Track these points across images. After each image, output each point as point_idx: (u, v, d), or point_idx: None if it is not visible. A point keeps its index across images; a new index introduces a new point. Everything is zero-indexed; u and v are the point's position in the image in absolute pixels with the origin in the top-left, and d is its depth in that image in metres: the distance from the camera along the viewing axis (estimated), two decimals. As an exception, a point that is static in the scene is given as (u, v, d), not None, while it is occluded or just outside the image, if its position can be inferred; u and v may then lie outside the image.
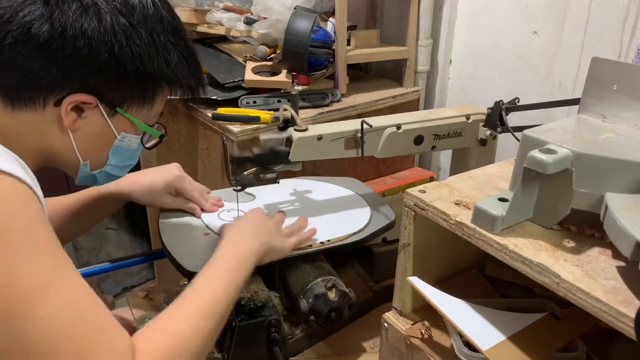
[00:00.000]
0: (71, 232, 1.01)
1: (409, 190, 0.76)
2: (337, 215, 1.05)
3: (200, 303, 0.70)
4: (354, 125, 0.94)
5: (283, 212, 1.02)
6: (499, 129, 0.97)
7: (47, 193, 0.67)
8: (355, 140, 0.94)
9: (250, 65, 1.34)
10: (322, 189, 1.15)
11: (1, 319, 0.54)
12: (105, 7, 0.66)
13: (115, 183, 0.97)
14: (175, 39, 0.72)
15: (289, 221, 0.99)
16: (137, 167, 1.01)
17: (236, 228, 0.86)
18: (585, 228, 0.66)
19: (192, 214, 1.02)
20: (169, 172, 1.02)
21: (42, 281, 0.55)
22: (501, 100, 0.95)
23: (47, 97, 0.67)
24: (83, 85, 0.67)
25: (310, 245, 0.94)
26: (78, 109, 0.69)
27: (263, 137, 0.93)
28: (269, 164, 0.93)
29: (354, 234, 0.98)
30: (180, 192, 1.02)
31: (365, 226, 1.00)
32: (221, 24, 1.45)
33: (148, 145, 0.82)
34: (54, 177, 0.63)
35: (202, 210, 1.03)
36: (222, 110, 1.22)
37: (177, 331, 0.64)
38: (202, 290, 0.72)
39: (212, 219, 1.01)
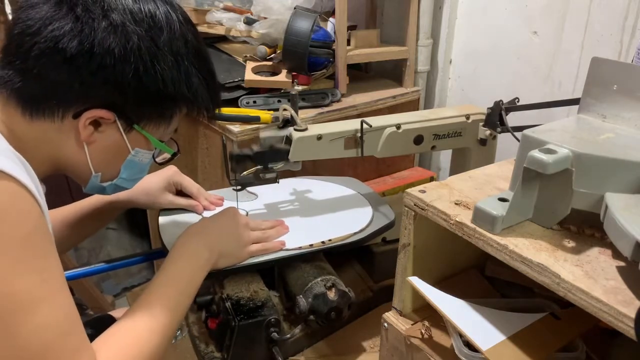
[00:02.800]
0: (70, 242, 1.02)
1: (409, 190, 0.76)
2: (338, 215, 1.04)
3: (151, 316, 0.72)
4: (353, 125, 0.94)
5: (283, 221, 1.00)
6: (498, 129, 0.97)
7: (50, 198, 0.67)
8: (355, 140, 0.94)
9: (250, 65, 1.34)
10: (322, 188, 1.15)
11: None
12: (133, 28, 0.66)
13: None
14: (199, 63, 0.74)
15: (288, 221, 0.99)
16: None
17: (189, 234, 0.85)
18: (585, 228, 0.66)
19: (194, 212, 1.03)
20: (166, 169, 1.03)
21: (33, 295, 0.56)
22: (501, 100, 0.95)
23: (67, 110, 0.67)
24: (103, 101, 0.68)
25: (311, 245, 0.94)
26: (95, 123, 0.70)
27: (263, 134, 0.93)
28: (268, 161, 0.93)
29: (355, 234, 0.97)
30: (179, 188, 1.03)
31: (367, 225, 1.00)
32: (221, 24, 1.46)
33: (160, 160, 0.83)
34: (56, 183, 0.64)
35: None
36: (222, 110, 1.22)
37: (131, 346, 0.67)
38: (154, 303, 0.73)
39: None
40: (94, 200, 1.00)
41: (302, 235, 0.96)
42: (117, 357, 0.65)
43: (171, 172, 1.02)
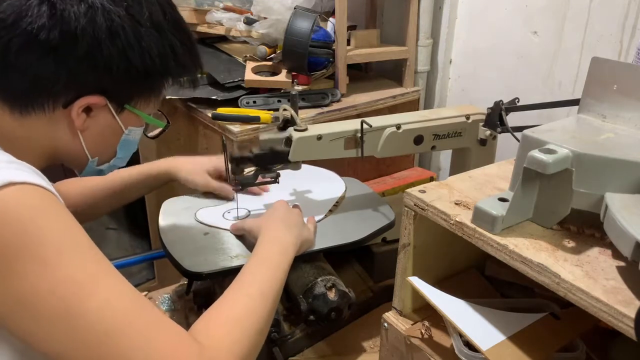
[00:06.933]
0: (111, 207, 1.07)
1: (409, 190, 0.76)
2: (316, 188, 1.11)
3: (251, 287, 0.72)
4: (353, 125, 0.94)
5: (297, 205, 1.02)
6: (498, 129, 0.97)
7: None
8: (355, 140, 0.94)
9: (250, 65, 1.34)
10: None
11: (55, 318, 0.54)
12: (112, 8, 0.65)
13: (157, 164, 1.06)
14: (179, 32, 0.73)
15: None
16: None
17: (269, 224, 0.87)
18: (585, 228, 0.66)
19: (226, 197, 1.07)
20: (209, 156, 1.08)
21: (89, 276, 0.56)
22: (501, 100, 0.95)
23: (57, 101, 0.66)
24: (93, 87, 0.67)
25: (331, 210, 1.00)
26: (87, 109, 0.69)
27: (263, 137, 0.93)
28: (268, 163, 0.93)
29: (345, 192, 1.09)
30: (218, 175, 1.07)
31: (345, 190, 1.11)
32: (221, 24, 1.46)
33: (151, 134, 0.83)
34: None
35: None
36: (222, 110, 1.22)
37: (233, 313, 0.67)
38: (251, 277, 0.74)
39: (213, 219, 1.01)
40: (137, 171, 1.05)
41: (310, 212, 1.00)
42: (222, 339, 0.63)
43: (216, 157, 1.07)
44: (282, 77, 1.31)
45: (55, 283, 0.54)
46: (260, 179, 0.95)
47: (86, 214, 1.00)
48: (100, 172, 0.79)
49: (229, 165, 0.92)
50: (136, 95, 0.73)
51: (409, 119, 0.98)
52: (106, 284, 0.57)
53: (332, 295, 0.88)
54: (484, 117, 1.00)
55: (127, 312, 0.57)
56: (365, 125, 0.92)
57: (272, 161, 0.93)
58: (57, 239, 0.56)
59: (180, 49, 0.72)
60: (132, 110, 0.73)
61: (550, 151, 0.61)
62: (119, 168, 0.82)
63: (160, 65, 0.70)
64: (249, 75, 1.30)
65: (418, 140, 0.98)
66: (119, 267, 1.07)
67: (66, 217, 0.58)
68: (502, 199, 0.66)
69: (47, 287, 0.54)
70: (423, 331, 0.78)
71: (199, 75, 1.36)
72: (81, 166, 0.76)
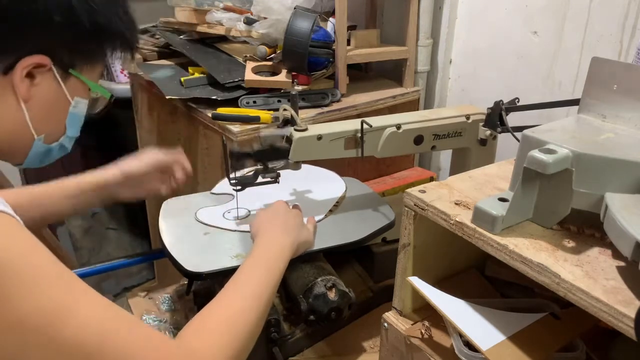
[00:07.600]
0: (67, 214, 0.99)
1: (409, 190, 0.76)
2: (316, 188, 1.11)
3: (245, 288, 0.72)
4: (353, 125, 0.94)
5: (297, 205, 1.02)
6: (498, 129, 0.97)
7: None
8: (355, 140, 0.94)
9: (250, 65, 1.34)
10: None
11: (37, 347, 0.52)
12: None
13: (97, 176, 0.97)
14: None
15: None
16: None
17: (267, 225, 0.87)
18: (585, 228, 0.66)
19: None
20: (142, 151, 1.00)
21: (63, 299, 0.54)
22: (501, 100, 0.95)
23: None
24: (36, 47, 0.61)
25: (331, 210, 1.00)
26: (30, 75, 0.63)
27: (263, 133, 0.93)
28: (268, 160, 0.93)
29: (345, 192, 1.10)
30: (161, 166, 1.02)
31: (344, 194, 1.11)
32: (221, 24, 1.45)
33: (97, 111, 0.77)
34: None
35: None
36: (222, 110, 1.22)
37: (226, 315, 0.66)
38: (246, 278, 0.74)
39: (213, 219, 1.01)
40: (91, 179, 0.97)
41: (310, 212, 1.00)
42: (213, 340, 0.62)
43: (148, 148, 1.00)
44: (282, 77, 1.31)
45: (30, 313, 0.51)
46: (260, 179, 0.95)
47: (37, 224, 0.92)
48: (48, 153, 0.71)
49: (229, 162, 0.91)
50: (80, 59, 0.67)
51: (409, 119, 0.98)
52: (83, 303, 0.55)
53: (332, 295, 0.88)
54: (484, 117, 1.00)
55: (110, 326, 0.55)
56: (365, 125, 0.92)
57: (272, 157, 0.93)
58: (24, 267, 0.52)
59: (122, 10, 0.69)
60: (78, 76, 0.67)
61: (550, 151, 0.61)
62: (67, 151, 0.75)
63: (107, 25, 0.66)
64: (249, 75, 1.30)
65: (418, 140, 0.98)
66: (119, 267, 1.08)
67: (30, 241, 0.54)
68: (502, 199, 0.66)
69: (22, 319, 0.51)
70: (423, 331, 0.78)
71: (201, 75, 1.37)
72: (23, 152, 0.68)
